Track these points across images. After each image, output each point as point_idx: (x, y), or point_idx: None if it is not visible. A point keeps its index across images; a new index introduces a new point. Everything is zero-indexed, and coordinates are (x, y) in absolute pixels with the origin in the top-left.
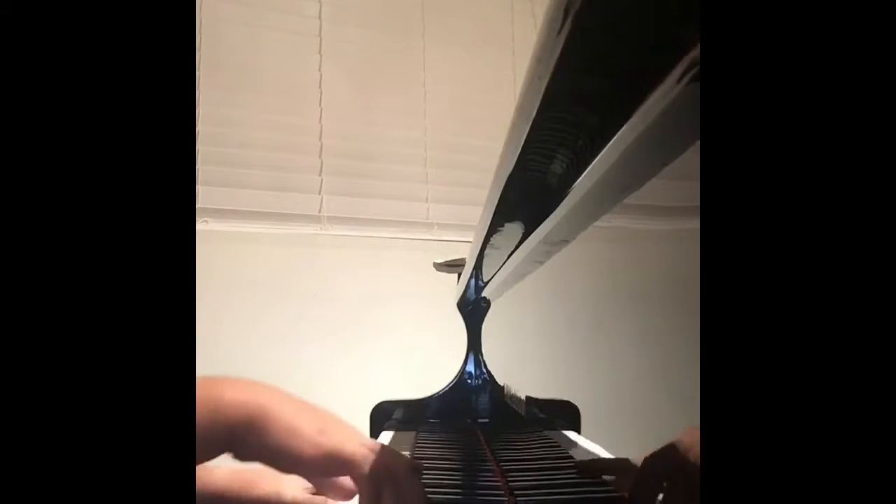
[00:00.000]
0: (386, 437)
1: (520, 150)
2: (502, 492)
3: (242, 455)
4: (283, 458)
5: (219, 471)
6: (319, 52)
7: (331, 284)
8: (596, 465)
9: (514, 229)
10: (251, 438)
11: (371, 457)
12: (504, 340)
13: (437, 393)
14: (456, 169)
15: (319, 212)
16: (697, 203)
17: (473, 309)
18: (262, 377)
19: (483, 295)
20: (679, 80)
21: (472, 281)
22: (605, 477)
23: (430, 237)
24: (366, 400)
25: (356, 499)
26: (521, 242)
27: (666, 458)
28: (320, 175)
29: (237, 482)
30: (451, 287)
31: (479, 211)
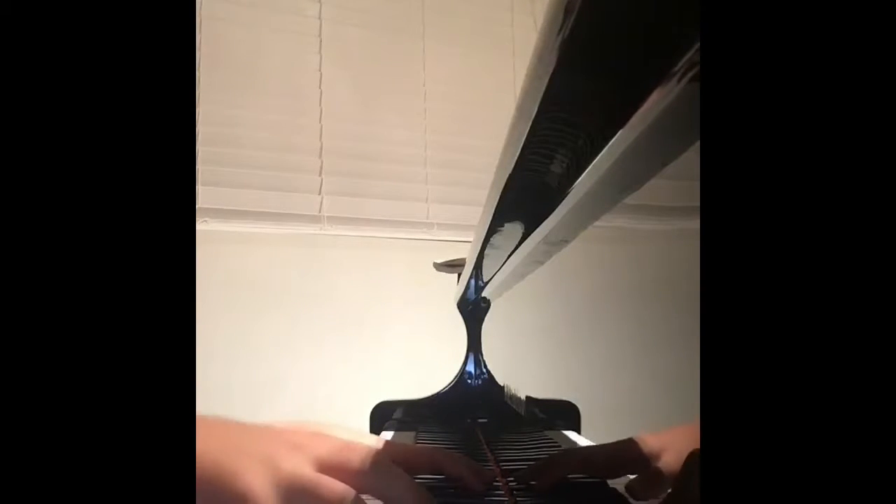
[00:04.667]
0: (386, 437)
1: (520, 150)
2: (502, 492)
3: None
4: None
5: (277, 425)
6: (319, 52)
7: (331, 284)
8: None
9: (514, 229)
10: None
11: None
12: (504, 340)
13: (437, 393)
14: (456, 169)
15: (319, 212)
16: (697, 203)
17: (473, 309)
18: (261, 378)
19: (483, 295)
20: (679, 80)
21: (472, 281)
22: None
23: (430, 237)
24: (366, 399)
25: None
26: (521, 242)
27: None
28: (320, 175)
29: (304, 432)
30: (451, 287)
31: (479, 211)
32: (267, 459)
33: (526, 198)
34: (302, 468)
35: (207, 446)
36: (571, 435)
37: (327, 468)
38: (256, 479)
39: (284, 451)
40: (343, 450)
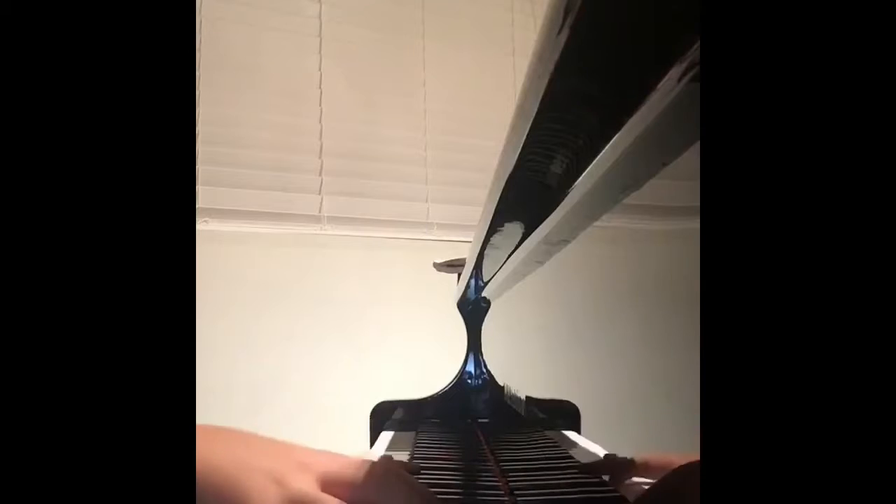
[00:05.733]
0: (386, 437)
1: (520, 150)
2: (502, 492)
3: None
4: None
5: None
6: (319, 52)
7: (330, 284)
8: (597, 466)
9: (514, 229)
10: None
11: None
12: (504, 340)
13: (437, 393)
14: (456, 169)
15: (319, 212)
16: (697, 203)
17: (473, 309)
18: (261, 378)
19: (483, 295)
20: (679, 80)
21: (472, 281)
22: (603, 476)
23: (430, 237)
24: (366, 400)
25: None
26: (521, 242)
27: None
28: (320, 175)
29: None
30: (451, 287)
31: (479, 211)
32: (277, 478)
33: (526, 198)
34: (309, 487)
35: (219, 459)
36: (571, 435)
37: (332, 486)
38: (267, 499)
39: (293, 470)
40: (347, 467)
